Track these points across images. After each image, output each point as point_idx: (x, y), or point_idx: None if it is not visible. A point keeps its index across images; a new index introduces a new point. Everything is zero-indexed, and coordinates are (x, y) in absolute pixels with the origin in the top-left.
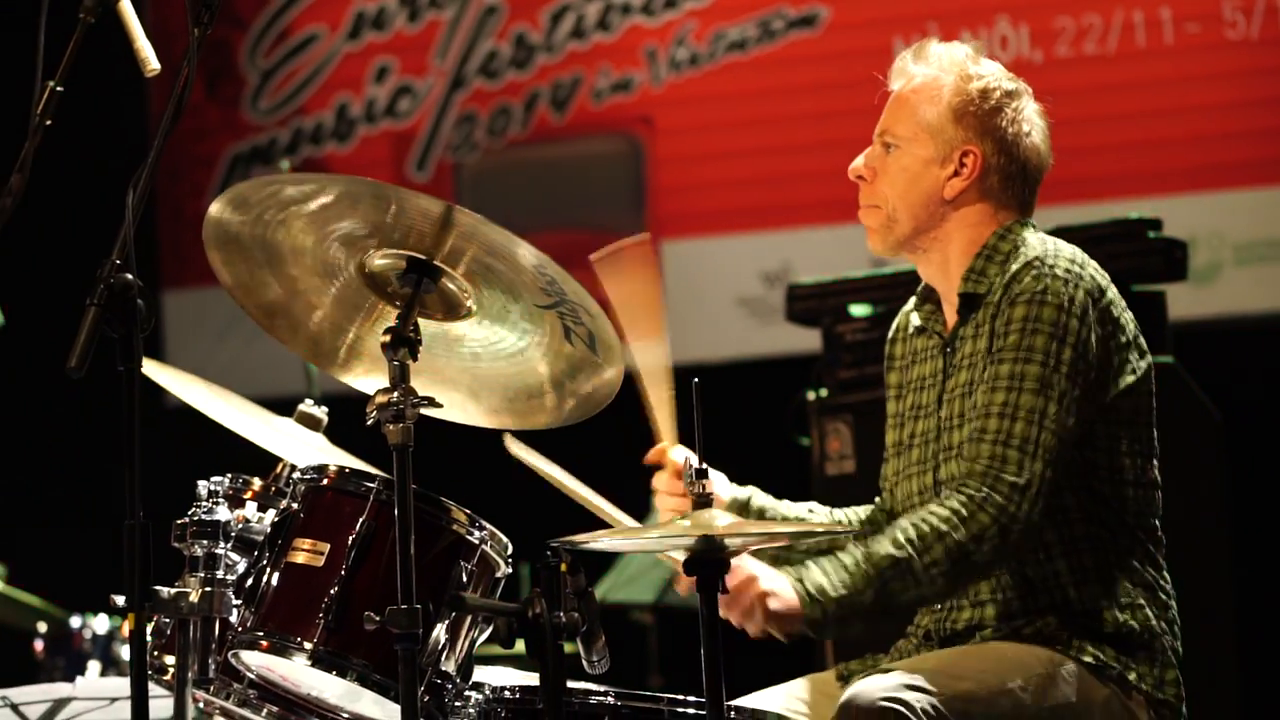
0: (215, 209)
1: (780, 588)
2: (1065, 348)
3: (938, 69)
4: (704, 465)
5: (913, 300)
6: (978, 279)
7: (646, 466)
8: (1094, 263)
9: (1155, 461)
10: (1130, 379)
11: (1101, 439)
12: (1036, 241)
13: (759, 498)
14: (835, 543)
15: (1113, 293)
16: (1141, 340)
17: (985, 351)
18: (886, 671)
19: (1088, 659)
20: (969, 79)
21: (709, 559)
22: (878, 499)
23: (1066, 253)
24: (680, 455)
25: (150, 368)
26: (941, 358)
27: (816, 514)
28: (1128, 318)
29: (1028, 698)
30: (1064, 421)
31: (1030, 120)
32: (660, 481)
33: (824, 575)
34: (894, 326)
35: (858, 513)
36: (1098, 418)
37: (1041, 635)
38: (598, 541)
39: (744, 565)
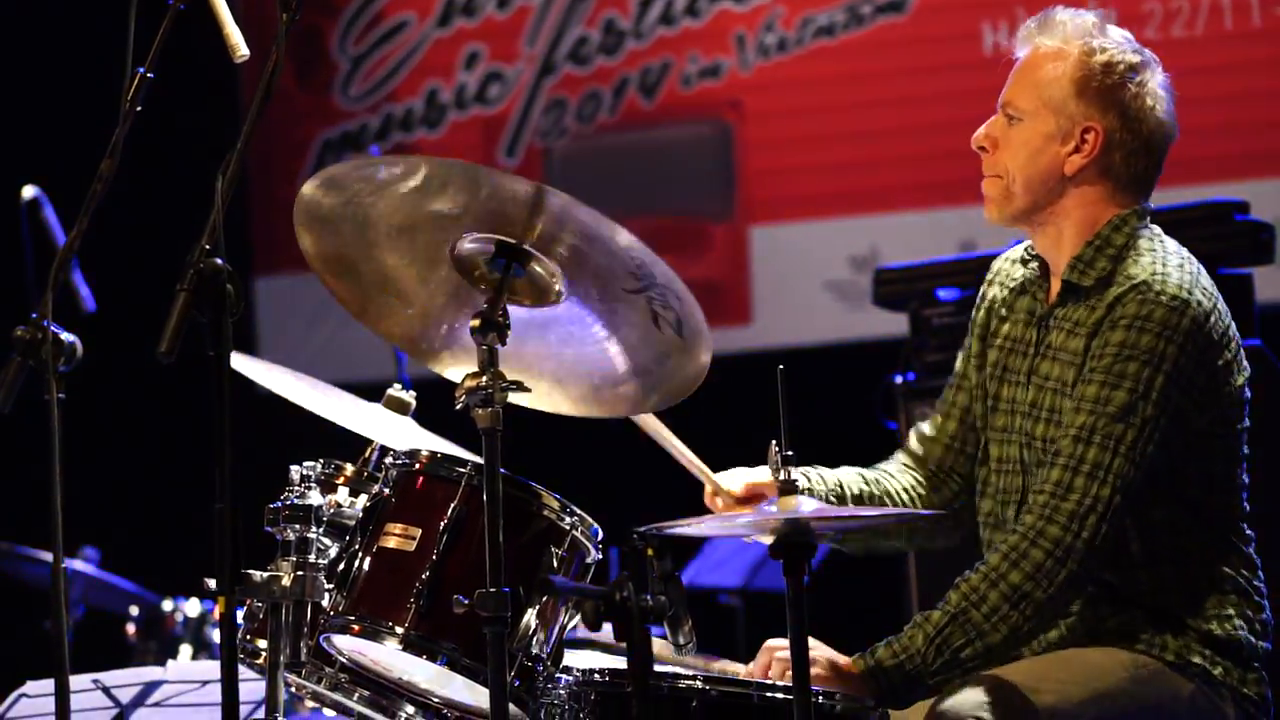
0: (308, 189)
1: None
2: (1159, 375)
3: (1062, 40)
4: (790, 451)
5: (1021, 249)
6: (1084, 270)
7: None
8: (1204, 279)
9: (1245, 465)
10: (1227, 403)
11: (1195, 451)
12: (1147, 249)
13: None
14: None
15: (1219, 310)
16: (1242, 356)
17: (1078, 354)
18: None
19: (1170, 657)
20: (1092, 52)
21: (795, 542)
22: (913, 431)
23: (1174, 277)
24: (728, 481)
25: (235, 358)
26: (1036, 329)
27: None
28: (1231, 334)
29: (1112, 704)
30: (1143, 449)
31: (1155, 94)
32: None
33: (884, 643)
34: (994, 269)
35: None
36: (1192, 436)
37: (1125, 630)
38: (684, 527)
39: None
